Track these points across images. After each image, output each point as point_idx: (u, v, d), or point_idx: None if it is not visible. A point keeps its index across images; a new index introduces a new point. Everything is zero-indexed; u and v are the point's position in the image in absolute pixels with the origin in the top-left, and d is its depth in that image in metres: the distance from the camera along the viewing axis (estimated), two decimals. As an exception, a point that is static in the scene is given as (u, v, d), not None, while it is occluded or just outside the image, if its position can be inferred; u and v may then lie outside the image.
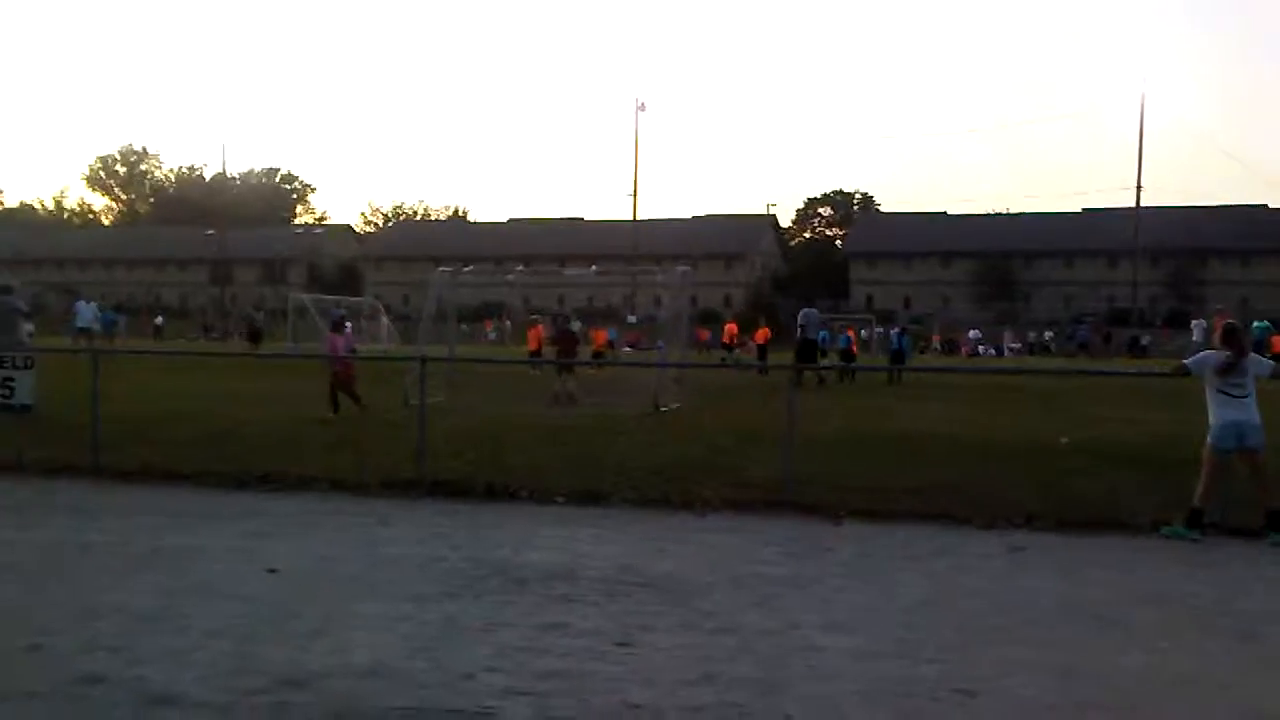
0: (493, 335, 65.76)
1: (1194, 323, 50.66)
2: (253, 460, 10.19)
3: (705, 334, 47.57)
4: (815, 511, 8.47)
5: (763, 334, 33.74)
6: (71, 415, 11.73)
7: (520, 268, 39.65)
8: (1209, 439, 7.90)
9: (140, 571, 6.47)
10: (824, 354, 26.08)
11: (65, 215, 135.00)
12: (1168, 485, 8.98)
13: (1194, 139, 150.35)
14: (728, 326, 35.42)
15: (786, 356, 31.00)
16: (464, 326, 21.33)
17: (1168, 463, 10.26)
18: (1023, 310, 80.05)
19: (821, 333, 27.43)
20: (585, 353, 29.01)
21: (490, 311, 69.17)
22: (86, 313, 33.82)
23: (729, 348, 34.65)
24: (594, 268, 29.95)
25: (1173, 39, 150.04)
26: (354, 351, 16.05)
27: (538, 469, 10.04)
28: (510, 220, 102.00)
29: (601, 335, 36.19)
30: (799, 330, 24.61)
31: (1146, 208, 69.19)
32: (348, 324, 17.33)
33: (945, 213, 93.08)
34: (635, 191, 76.22)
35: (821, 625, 5.49)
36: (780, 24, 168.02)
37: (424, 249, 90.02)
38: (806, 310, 24.95)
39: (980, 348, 64.91)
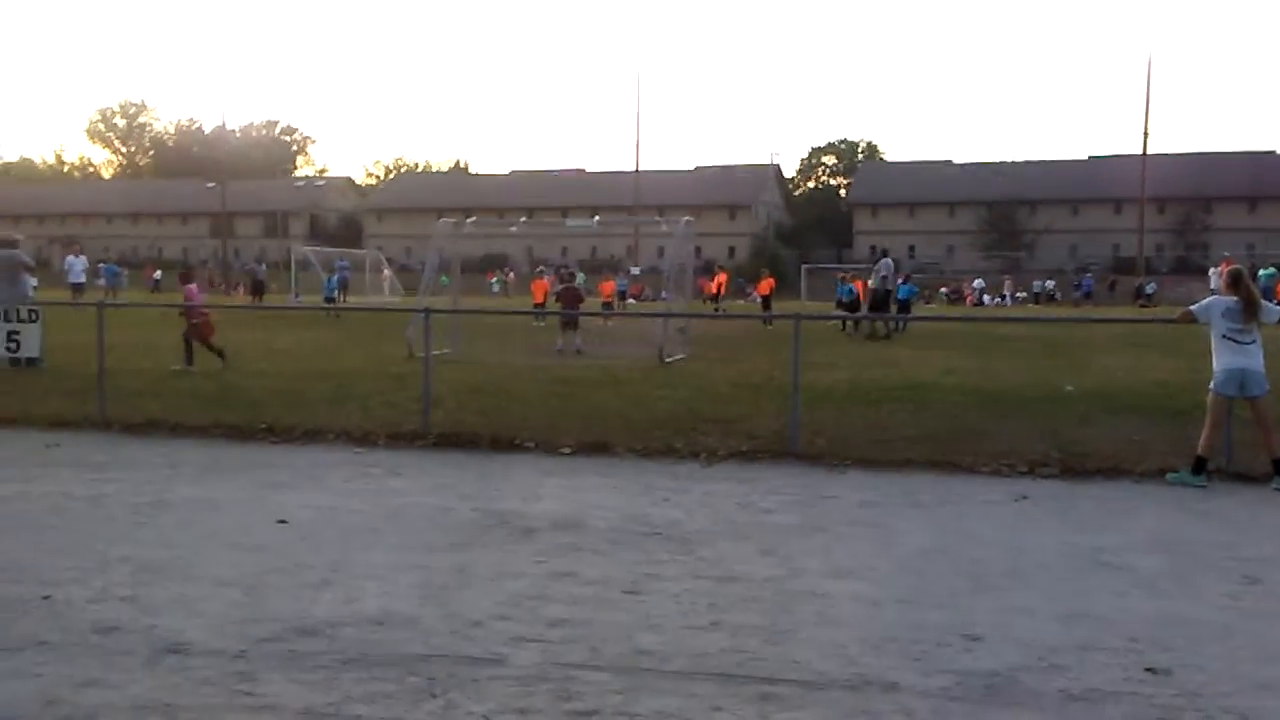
0: (496, 287, 65.66)
1: (1212, 270, 50.35)
2: (259, 413, 10.22)
3: (710, 285, 47.36)
4: (820, 460, 8.50)
5: (766, 284, 33.61)
6: (77, 368, 11.78)
7: (523, 219, 39.48)
8: (1212, 385, 7.90)
9: (149, 523, 6.52)
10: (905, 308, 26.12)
11: (65, 169, 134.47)
12: (1173, 432, 9.01)
13: (1201, 84, 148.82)
14: (717, 277, 35.16)
15: (791, 307, 30.95)
16: (444, 280, 21.23)
17: (1173, 410, 10.29)
18: (1026, 259, 79.74)
19: (909, 288, 27.64)
20: (593, 305, 28.98)
21: (493, 263, 69.00)
22: (78, 267, 33.72)
23: (715, 298, 34.53)
24: (596, 218, 29.78)
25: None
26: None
27: (544, 420, 10.06)
28: (512, 172, 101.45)
29: (609, 286, 36.04)
30: (881, 279, 24.50)
31: (1153, 154, 68.53)
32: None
33: (950, 161, 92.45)
34: (637, 142, 75.70)
35: (827, 572, 5.52)
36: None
37: (426, 201, 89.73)
38: (885, 260, 24.88)
39: (985, 297, 64.78)
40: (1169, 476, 7.88)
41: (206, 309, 15.13)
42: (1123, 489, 7.72)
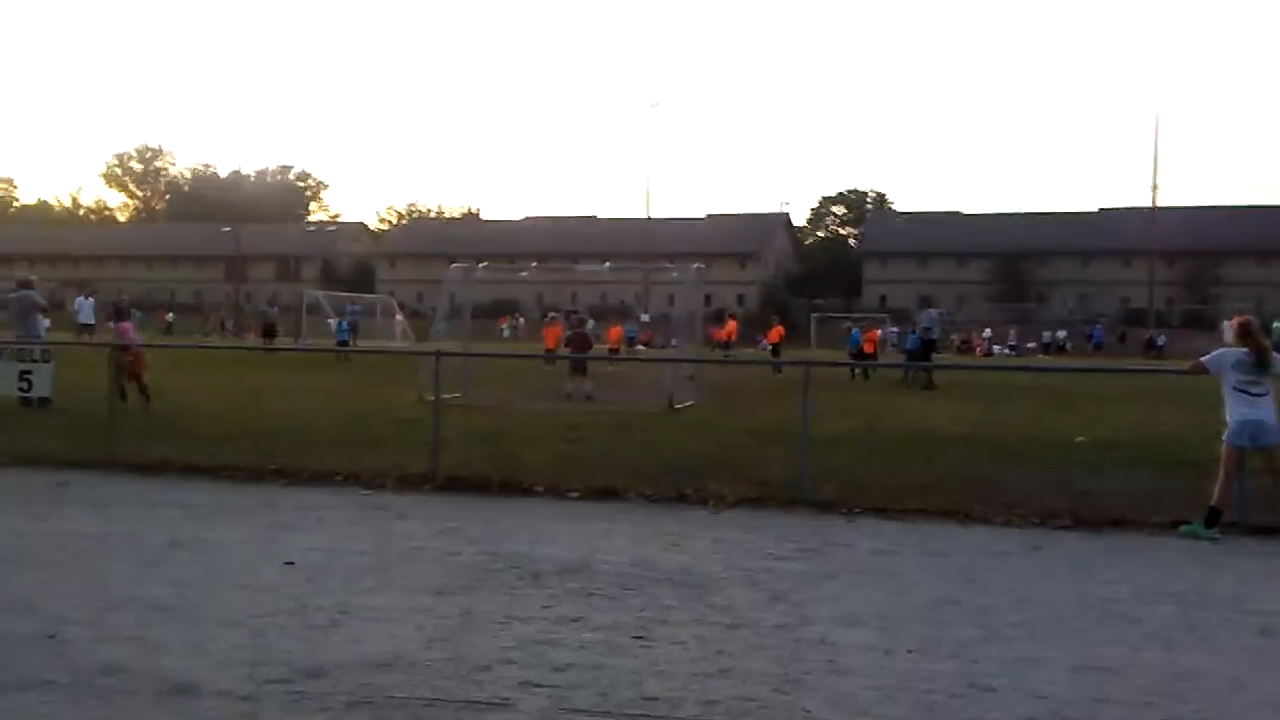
0: (507, 333, 65.91)
1: (1225, 324, 50.20)
2: (268, 454, 10.22)
3: (720, 333, 47.47)
4: (830, 508, 8.46)
5: (776, 333, 33.67)
6: (88, 409, 11.82)
7: (534, 264, 39.72)
8: (1225, 437, 7.87)
9: (157, 563, 6.50)
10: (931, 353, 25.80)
11: (81, 212, 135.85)
12: (1185, 484, 8.94)
13: (1210, 137, 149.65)
14: (728, 324, 35.24)
15: (800, 355, 30.98)
16: (439, 327, 21.35)
17: (1185, 462, 10.22)
18: (1036, 310, 79.77)
19: (918, 337, 27.78)
20: (600, 351, 29.02)
21: (504, 309, 69.29)
22: (87, 309, 33.81)
23: (725, 345, 34.60)
24: (607, 264, 29.96)
25: (1190, 35, 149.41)
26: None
27: (553, 465, 10.04)
28: (524, 218, 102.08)
29: (616, 332, 36.11)
30: (924, 330, 24.30)
31: (1163, 207, 68.84)
32: (135, 313, 17.35)
33: (960, 212, 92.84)
34: (648, 190, 76.10)
35: (837, 620, 5.48)
36: (794, 21, 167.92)
37: (438, 246, 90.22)
38: (928, 311, 24.74)
39: (995, 347, 64.73)
40: (1181, 529, 7.82)
41: (138, 345, 15.18)
42: (1135, 541, 7.66)
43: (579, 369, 18.66)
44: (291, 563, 6.48)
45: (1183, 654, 5.06)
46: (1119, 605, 5.88)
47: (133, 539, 7.13)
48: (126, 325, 15.67)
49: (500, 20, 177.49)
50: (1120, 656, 4.97)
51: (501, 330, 66.35)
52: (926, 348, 24.50)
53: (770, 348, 34.46)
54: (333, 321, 43.39)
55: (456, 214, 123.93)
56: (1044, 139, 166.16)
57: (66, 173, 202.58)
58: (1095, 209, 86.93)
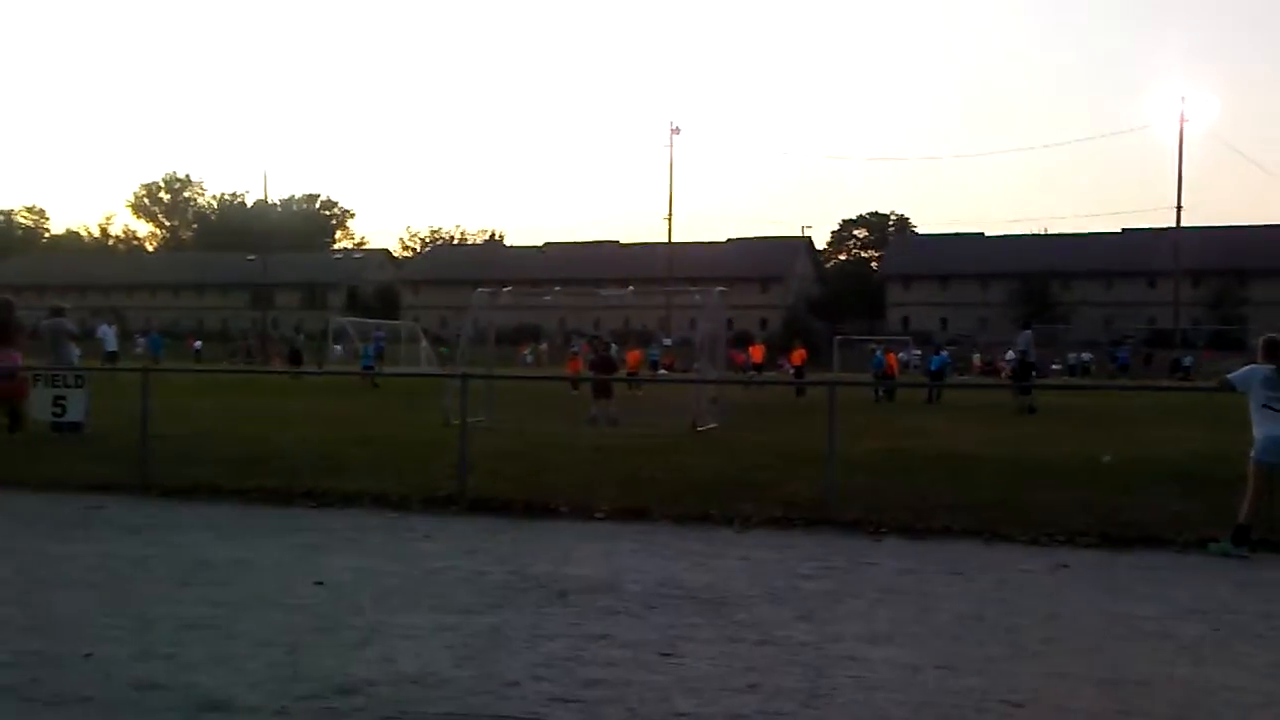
0: (529, 359, 66.01)
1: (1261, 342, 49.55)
2: (297, 477, 10.31)
3: (741, 357, 47.52)
4: (856, 528, 8.47)
5: (799, 355, 33.71)
6: (120, 434, 11.97)
7: (557, 289, 39.91)
8: (1252, 454, 7.83)
9: (189, 583, 6.58)
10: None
11: (110, 242, 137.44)
12: (1213, 502, 8.89)
13: (1235, 157, 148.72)
14: (751, 349, 35.55)
15: (823, 378, 30.98)
16: (444, 350, 21.44)
17: (1213, 480, 10.15)
18: (1062, 332, 79.31)
19: (942, 358, 28.07)
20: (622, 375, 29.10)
21: (526, 335, 69.46)
22: (110, 336, 34.37)
23: (758, 368, 34.82)
24: (630, 289, 30.11)
25: (1214, 55, 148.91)
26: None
27: (578, 486, 10.08)
28: (546, 244, 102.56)
29: (636, 355, 36.19)
30: (1021, 353, 24.15)
31: (1187, 228, 68.41)
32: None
33: (982, 234, 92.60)
34: (670, 215, 76.33)
35: (864, 638, 5.49)
36: (815, 46, 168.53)
37: (461, 272, 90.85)
38: (1025, 333, 24.62)
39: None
40: (1210, 547, 7.78)
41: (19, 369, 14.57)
42: (1163, 559, 7.63)
43: (603, 392, 18.71)
44: (321, 582, 6.54)
45: (1212, 669, 5.03)
46: (1147, 622, 5.87)
47: (166, 560, 7.22)
48: (14, 352, 15.45)
49: (522, 47, 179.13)
50: (1149, 672, 4.96)
51: (524, 356, 66.49)
52: (1025, 370, 24.31)
53: (793, 370, 34.50)
54: (339, 348, 43.94)
55: (479, 239, 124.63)
56: (1066, 160, 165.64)
57: (96, 203, 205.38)
58: (1118, 229, 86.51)
